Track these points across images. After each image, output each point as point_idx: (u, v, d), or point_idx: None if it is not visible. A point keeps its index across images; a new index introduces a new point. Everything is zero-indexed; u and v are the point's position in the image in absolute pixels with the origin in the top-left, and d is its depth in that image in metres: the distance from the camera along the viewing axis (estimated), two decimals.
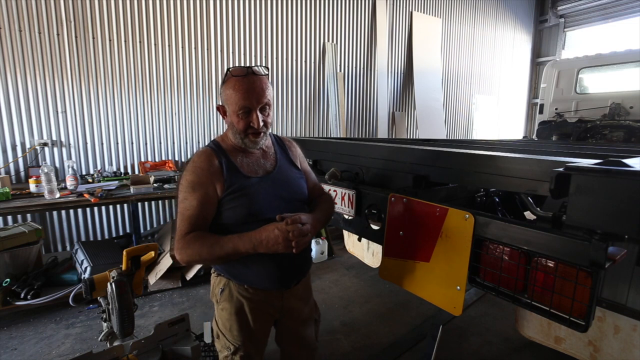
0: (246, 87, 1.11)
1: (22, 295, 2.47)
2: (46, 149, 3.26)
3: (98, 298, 1.73)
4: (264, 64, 4.34)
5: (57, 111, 3.28)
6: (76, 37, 3.27)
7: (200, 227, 1.13)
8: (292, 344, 1.41)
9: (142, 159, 3.75)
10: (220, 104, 1.21)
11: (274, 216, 1.11)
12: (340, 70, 4.99)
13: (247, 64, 4.20)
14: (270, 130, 1.25)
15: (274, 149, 1.32)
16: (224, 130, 1.28)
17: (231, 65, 4.11)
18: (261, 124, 1.14)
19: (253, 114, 1.13)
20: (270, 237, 1.04)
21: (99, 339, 1.74)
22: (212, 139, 1.30)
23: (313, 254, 3.72)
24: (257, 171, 1.22)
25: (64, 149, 3.35)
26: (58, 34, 3.20)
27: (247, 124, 1.14)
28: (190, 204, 1.13)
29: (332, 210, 1.37)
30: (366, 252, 3.05)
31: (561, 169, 0.96)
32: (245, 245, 1.06)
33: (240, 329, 1.25)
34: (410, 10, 5.66)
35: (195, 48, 3.88)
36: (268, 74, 1.19)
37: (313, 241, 3.77)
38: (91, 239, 3.54)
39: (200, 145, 4.05)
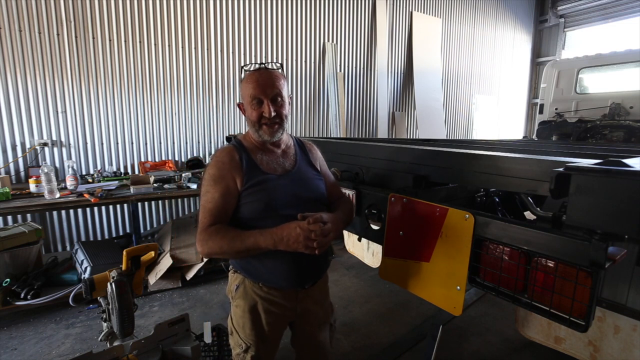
0: (256, 79, 1.18)
1: (22, 295, 2.47)
2: (46, 149, 3.26)
3: (98, 298, 1.73)
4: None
5: (57, 111, 3.28)
6: (76, 37, 3.27)
7: (221, 220, 1.16)
8: (306, 347, 1.41)
9: (142, 159, 3.75)
10: (240, 102, 1.27)
11: (291, 213, 1.13)
12: (340, 70, 4.99)
13: (248, 64, 4.21)
14: (287, 125, 1.27)
15: (295, 150, 1.35)
16: (238, 128, 1.32)
17: (232, 65, 4.12)
18: (273, 113, 1.17)
19: (264, 103, 1.17)
20: (291, 235, 1.05)
21: (99, 339, 1.74)
22: (235, 137, 1.34)
23: None
24: (276, 169, 1.25)
25: (64, 149, 3.35)
26: (58, 34, 3.20)
27: (259, 114, 1.18)
28: (212, 197, 1.16)
29: (352, 213, 1.40)
30: (366, 252, 3.05)
31: (561, 169, 0.95)
32: (266, 241, 1.08)
33: (252, 328, 1.26)
34: (410, 10, 5.66)
35: (195, 48, 3.88)
36: (281, 69, 1.25)
37: None
38: (91, 239, 3.54)
39: (200, 146, 4.06)
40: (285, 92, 1.22)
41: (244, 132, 1.34)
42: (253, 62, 1.21)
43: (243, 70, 1.23)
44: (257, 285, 1.25)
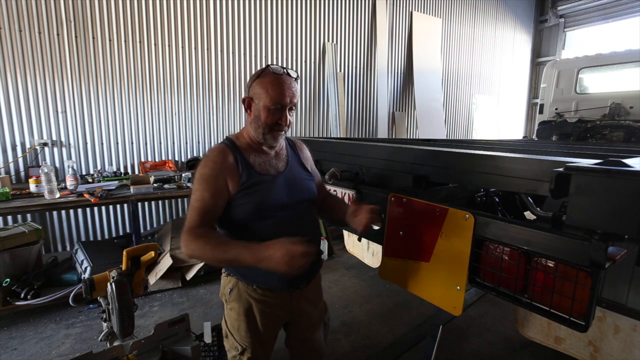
0: (282, 85, 1.15)
1: (22, 295, 2.47)
2: (46, 149, 3.26)
3: (98, 298, 1.73)
4: (263, 65, 4.33)
5: (57, 111, 3.28)
6: (76, 37, 3.27)
7: (209, 221, 1.14)
8: (301, 347, 1.41)
9: (142, 159, 3.75)
10: (247, 96, 1.21)
11: (284, 214, 1.18)
12: (340, 70, 4.99)
13: (249, 64, 4.22)
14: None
15: (286, 151, 1.35)
16: (238, 128, 1.29)
17: (232, 65, 4.12)
18: (289, 122, 1.19)
19: (284, 111, 1.17)
20: (275, 256, 0.99)
21: (99, 339, 1.74)
22: (226, 136, 1.31)
23: None
24: (269, 170, 1.24)
25: (64, 149, 3.35)
26: (58, 34, 3.20)
27: (275, 120, 1.17)
28: (201, 196, 1.13)
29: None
30: (366, 252, 3.06)
31: (561, 169, 0.95)
32: (247, 258, 1.04)
33: (248, 330, 1.26)
34: (410, 10, 5.66)
35: (195, 48, 3.88)
36: (298, 78, 1.24)
37: None
38: (91, 239, 3.54)
39: (201, 146, 4.06)
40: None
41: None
42: (277, 64, 1.14)
43: (268, 68, 1.17)
44: (251, 288, 1.25)
